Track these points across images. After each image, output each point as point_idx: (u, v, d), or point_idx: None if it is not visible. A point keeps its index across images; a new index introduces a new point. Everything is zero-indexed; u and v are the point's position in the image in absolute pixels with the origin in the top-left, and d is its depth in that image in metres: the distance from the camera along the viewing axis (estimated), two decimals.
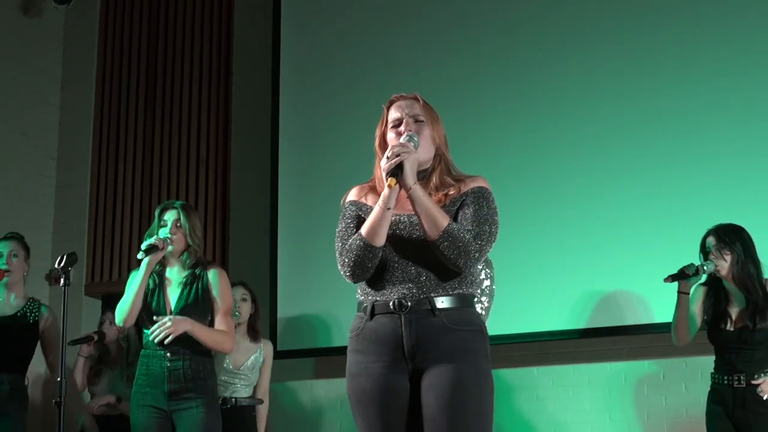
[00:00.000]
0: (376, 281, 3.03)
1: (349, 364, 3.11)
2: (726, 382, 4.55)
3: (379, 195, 3.04)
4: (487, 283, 4.22)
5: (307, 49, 6.77)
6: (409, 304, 2.96)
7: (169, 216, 4.67)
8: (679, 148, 5.45)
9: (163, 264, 4.70)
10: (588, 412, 5.65)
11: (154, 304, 4.62)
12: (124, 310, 4.57)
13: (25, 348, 5.52)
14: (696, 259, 4.67)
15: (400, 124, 3.12)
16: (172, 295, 4.63)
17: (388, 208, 2.95)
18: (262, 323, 5.92)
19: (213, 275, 4.67)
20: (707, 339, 4.71)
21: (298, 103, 6.70)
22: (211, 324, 4.67)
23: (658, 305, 5.35)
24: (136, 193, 7.40)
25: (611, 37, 5.72)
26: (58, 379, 4.16)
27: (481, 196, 3.06)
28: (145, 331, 4.63)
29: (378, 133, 3.19)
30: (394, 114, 3.15)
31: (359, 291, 3.12)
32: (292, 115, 6.68)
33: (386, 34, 6.46)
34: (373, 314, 3.02)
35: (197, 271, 4.67)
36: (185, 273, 4.66)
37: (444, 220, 2.94)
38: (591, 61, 5.75)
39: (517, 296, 5.46)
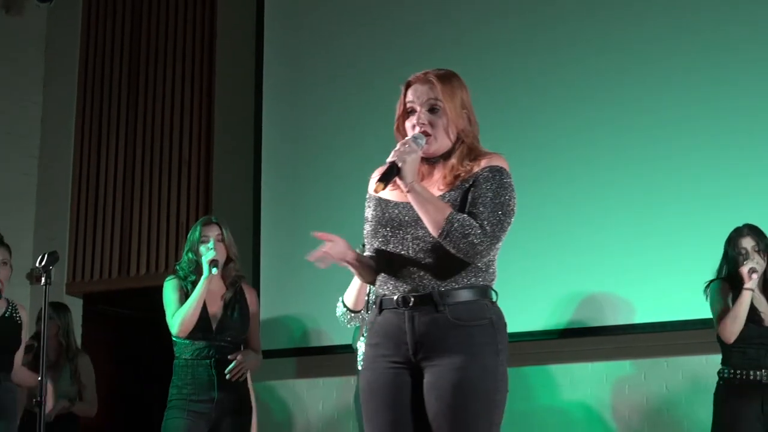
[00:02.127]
0: (386, 274, 2.95)
1: (363, 358, 3.08)
2: (752, 377, 4.54)
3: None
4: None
5: (291, 48, 6.76)
6: (413, 299, 2.87)
7: (211, 231, 4.79)
8: (661, 151, 5.47)
9: (196, 275, 4.75)
10: (569, 412, 5.67)
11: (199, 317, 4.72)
12: (184, 321, 4.64)
13: (16, 350, 5.53)
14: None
15: (413, 112, 2.98)
16: (212, 307, 4.72)
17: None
18: None
19: (250, 295, 4.90)
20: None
21: (281, 103, 6.70)
22: (246, 340, 4.89)
23: (640, 306, 5.39)
24: (118, 192, 7.37)
25: (606, 39, 5.73)
26: (39, 378, 4.14)
27: (493, 177, 2.91)
28: (178, 340, 4.72)
29: (397, 114, 3.04)
30: (410, 97, 2.99)
31: (376, 283, 3.03)
32: (275, 114, 6.68)
33: (372, 29, 6.46)
34: (381, 309, 2.95)
35: (237, 287, 4.83)
36: (228, 289, 4.81)
37: (443, 213, 2.82)
38: (583, 62, 5.77)
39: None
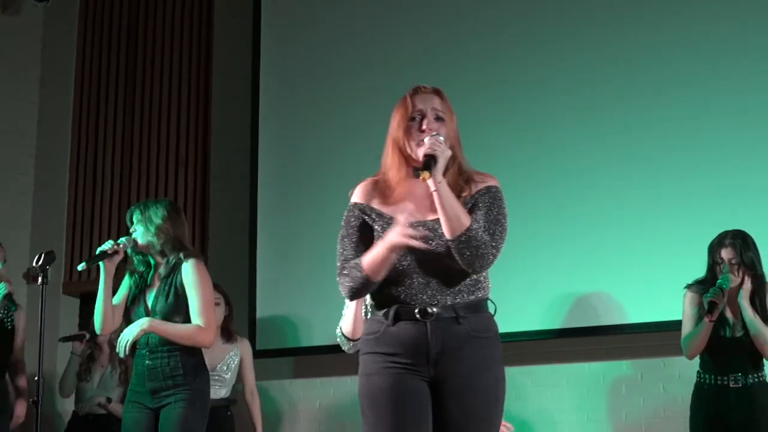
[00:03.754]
0: (395, 286, 2.98)
1: (365, 365, 3.03)
2: (720, 382, 4.57)
3: (388, 186, 3.04)
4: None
5: (288, 49, 6.76)
6: (435, 311, 2.94)
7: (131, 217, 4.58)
8: (658, 150, 5.47)
9: (147, 263, 4.58)
10: (566, 412, 5.67)
11: (135, 309, 4.51)
12: (95, 318, 4.50)
13: (8, 351, 5.55)
14: (703, 258, 4.69)
15: (422, 117, 3.03)
16: (150, 296, 4.50)
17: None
18: (240, 322, 5.94)
19: (186, 269, 4.46)
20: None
21: (278, 103, 6.69)
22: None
23: (637, 306, 5.39)
24: (115, 191, 7.37)
25: (601, 39, 5.73)
26: (36, 378, 4.13)
27: (494, 197, 3.03)
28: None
29: (398, 120, 3.07)
30: (418, 105, 3.05)
31: (372, 293, 3.06)
32: (272, 114, 6.67)
33: (370, 32, 6.45)
34: (396, 320, 2.97)
35: (176, 265, 4.50)
36: (165, 269, 4.51)
37: (467, 220, 2.91)
38: (576, 62, 5.76)
39: (494, 296, 5.43)
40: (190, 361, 4.46)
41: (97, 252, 4.47)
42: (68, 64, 7.80)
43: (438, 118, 3.04)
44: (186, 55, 7.34)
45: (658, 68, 5.55)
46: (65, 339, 5.81)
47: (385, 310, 3.00)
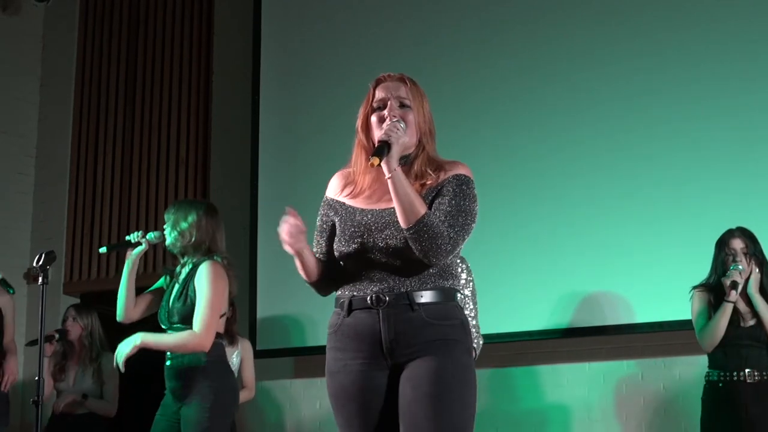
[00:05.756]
0: (353, 276, 2.95)
1: (327, 362, 3.02)
2: (735, 378, 4.57)
3: (354, 181, 3.03)
4: (464, 276, 4.16)
5: (287, 49, 6.76)
6: (387, 298, 2.87)
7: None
8: (661, 150, 5.45)
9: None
10: (567, 412, 5.67)
11: (159, 308, 4.51)
12: (117, 306, 4.53)
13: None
14: (705, 258, 4.71)
15: (384, 107, 2.99)
16: (172, 296, 4.47)
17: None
18: (241, 322, 5.93)
19: (200, 271, 4.41)
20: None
21: (278, 103, 6.69)
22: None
23: (638, 306, 5.38)
24: (115, 191, 7.37)
25: (606, 40, 5.72)
26: (36, 378, 4.13)
27: (460, 184, 2.93)
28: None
29: (361, 113, 3.06)
30: (379, 95, 3.03)
31: (339, 286, 3.04)
32: (272, 114, 6.67)
33: (370, 32, 6.46)
34: (350, 310, 2.94)
35: (194, 267, 4.47)
36: (185, 270, 4.49)
37: (422, 209, 2.81)
38: (580, 60, 5.75)
39: (496, 296, 5.45)
40: (210, 358, 4.42)
41: (125, 239, 4.54)
42: (68, 64, 7.80)
43: (403, 105, 2.98)
44: (186, 56, 7.34)
45: (671, 66, 5.53)
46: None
47: (342, 301, 2.99)
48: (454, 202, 2.90)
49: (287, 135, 6.62)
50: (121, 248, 4.51)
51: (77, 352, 5.98)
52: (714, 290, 4.68)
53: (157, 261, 6.93)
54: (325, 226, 3.09)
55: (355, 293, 2.94)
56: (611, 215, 5.51)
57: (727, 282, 4.56)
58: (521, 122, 5.83)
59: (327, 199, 3.12)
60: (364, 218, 2.95)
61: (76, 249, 7.44)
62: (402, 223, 2.83)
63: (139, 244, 4.54)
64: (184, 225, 4.50)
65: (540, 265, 5.60)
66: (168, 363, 4.40)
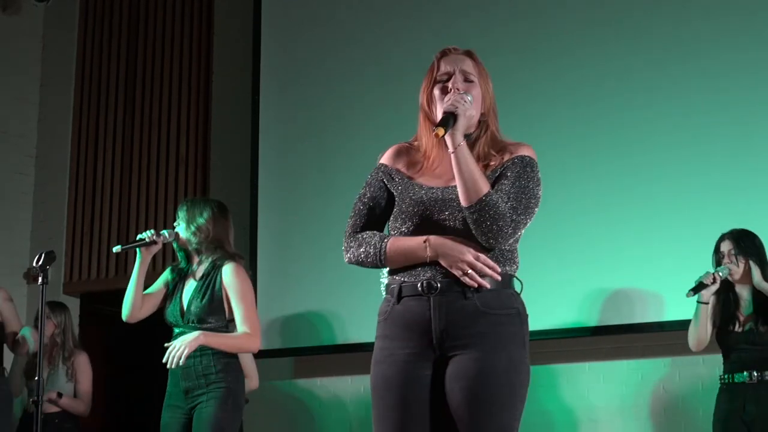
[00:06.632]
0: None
1: (374, 351, 2.82)
2: (736, 380, 4.61)
3: (418, 152, 2.87)
4: None
5: (287, 47, 6.75)
6: (439, 285, 2.71)
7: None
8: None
9: (189, 260, 4.59)
10: (567, 412, 5.66)
11: (169, 306, 4.51)
12: (124, 304, 4.53)
13: None
14: (707, 258, 4.72)
15: (449, 79, 2.85)
16: (186, 295, 4.49)
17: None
18: None
19: (226, 272, 4.44)
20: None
21: (278, 102, 6.69)
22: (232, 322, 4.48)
23: (638, 306, 5.37)
24: (115, 191, 7.37)
25: (613, 37, 5.69)
26: (36, 378, 4.13)
27: (524, 166, 2.79)
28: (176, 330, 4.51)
29: (424, 86, 2.90)
30: (445, 68, 2.88)
31: (385, 271, 2.87)
32: (272, 113, 6.67)
33: (370, 32, 6.44)
34: (400, 297, 2.76)
35: (216, 266, 4.49)
36: (203, 268, 4.51)
37: (485, 187, 2.67)
38: (592, 59, 5.72)
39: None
40: (223, 359, 4.43)
41: (137, 238, 4.54)
42: (68, 64, 7.80)
43: (467, 80, 2.86)
44: (186, 55, 7.34)
45: (667, 60, 5.50)
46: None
47: (392, 287, 2.81)
48: (517, 183, 2.77)
49: (288, 133, 6.61)
50: (135, 247, 4.51)
51: (49, 350, 5.94)
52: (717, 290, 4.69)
53: (157, 261, 6.94)
54: (376, 194, 2.89)
55: (405, 279, 2.77)
56: (611, 215, 5.49)
57: (695, 283, 4.59)
58: (521, 121, 5.81)
59: (382, 166, 2.92)
60: (424, 195, 2.80)
61: (76, 249, 7.44)
62: (463, 202, 2.69)
63: (153, 242, 4.53)
64: (201, 220, 4.53)
65: (539, 265, 5.57)
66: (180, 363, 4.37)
